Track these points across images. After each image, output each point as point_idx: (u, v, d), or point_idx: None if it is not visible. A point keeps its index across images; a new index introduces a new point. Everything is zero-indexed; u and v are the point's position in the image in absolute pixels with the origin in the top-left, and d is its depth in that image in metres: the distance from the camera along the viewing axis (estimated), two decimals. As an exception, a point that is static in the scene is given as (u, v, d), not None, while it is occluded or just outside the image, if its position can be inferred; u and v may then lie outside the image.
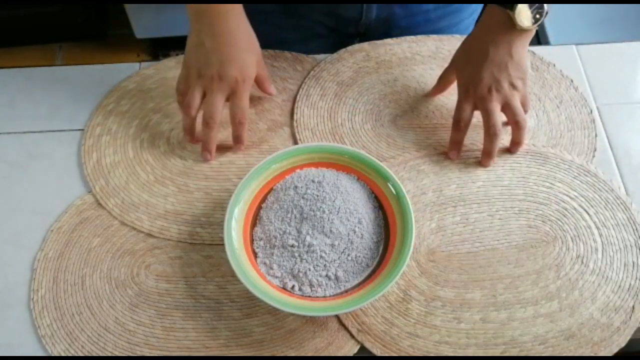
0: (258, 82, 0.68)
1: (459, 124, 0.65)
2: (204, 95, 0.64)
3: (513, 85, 0.64)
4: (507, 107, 0.64)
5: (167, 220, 0.63)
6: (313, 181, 0.59)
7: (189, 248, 0.62)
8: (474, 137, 0.68)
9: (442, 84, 0.71)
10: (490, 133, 0.64)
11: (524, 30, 0.62)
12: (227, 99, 0.64)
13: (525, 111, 0.65)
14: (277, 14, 0.72)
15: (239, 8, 0.64)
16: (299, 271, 0.56)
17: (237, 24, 0.64)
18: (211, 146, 0.65)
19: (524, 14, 0.61)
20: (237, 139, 0.66)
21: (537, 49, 0.77)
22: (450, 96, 0.72)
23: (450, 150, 0.67)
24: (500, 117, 0.64)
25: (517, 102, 0.64)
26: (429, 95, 0.72)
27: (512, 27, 0.62)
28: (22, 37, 1.71)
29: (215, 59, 0.62)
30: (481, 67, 0.64)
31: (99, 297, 0.59)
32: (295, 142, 0.69)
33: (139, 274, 0.60)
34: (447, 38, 0.77)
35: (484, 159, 0.66)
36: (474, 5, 0.84)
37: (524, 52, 0.64)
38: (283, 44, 0.76)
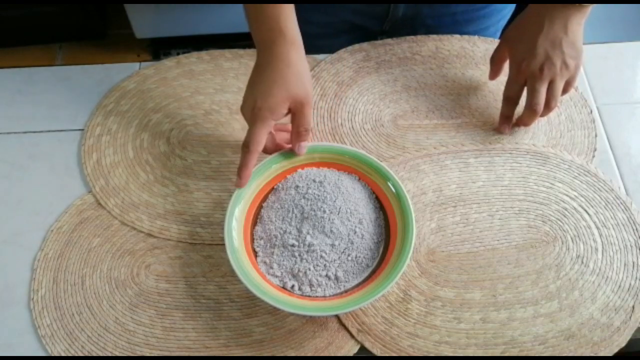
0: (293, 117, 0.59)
1: (509, 100, 0.68)
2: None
3: (565, 65, 0.63)
4: (549, 85, 0.64)
5: (167, 220, 0.63)
6: (314, 181, 0.59)
7: (189, 248, 0.62)
8: (474, 137, 0.69)
9: (495, 63, 0.70)
10: (531, 109, 0.65)
11: (582, 6, 0.62)
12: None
13: (567, 91, 0.66)
14: (308, 9, 0.69)
15: (292, 39, 0.59)
16: (298, 271, 0.56)
17: (280, 53, 0.58)
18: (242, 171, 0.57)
19: None
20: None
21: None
22: (449, 96, 0.72)
23: (501, 124, 0.69)
24: (544, 96, 0.64)
25: (559, 85, 0.64)
26: (489, 80, 0.72)
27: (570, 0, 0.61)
28: (22, 37, 1.71)
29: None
30: (535, 42, 0.63)
31: (99, 297, 0.59)
32: (295, 142, 0.69)
33: (139, 274, 0.60)
34: (447, 38, 0.77)
35: (518, 124, 0.69)
36: (502, 12, 0.83)
37: (580, 30, 0.64)
38: (306, 38, 0.74)
